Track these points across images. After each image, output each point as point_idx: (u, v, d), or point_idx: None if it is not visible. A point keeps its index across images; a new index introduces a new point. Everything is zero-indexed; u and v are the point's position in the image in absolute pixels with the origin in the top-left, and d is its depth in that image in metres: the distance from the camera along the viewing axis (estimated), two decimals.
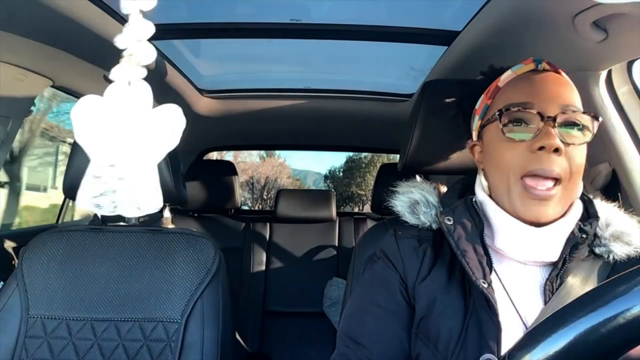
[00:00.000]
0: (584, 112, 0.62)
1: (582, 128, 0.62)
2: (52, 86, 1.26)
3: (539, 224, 0.62)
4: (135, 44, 0.44)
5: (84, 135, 0.43)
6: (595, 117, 0.62)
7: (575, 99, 0.63)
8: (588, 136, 0.62)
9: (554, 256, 0.62)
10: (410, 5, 1.18)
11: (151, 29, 0.43)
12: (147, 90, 0.45)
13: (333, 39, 1.31)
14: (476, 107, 0.72)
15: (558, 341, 0.34)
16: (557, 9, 0.78)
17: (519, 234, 0.62)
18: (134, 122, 0.45)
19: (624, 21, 0.73)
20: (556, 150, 0.59)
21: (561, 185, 0.60)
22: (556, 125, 0.60)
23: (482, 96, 0.71)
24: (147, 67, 0.48)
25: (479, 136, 0.70)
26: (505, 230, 0.63)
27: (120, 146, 0.44)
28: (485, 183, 0.68)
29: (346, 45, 1.40)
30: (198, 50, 1.50)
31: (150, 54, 0.44)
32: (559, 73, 0.66)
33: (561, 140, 0.60)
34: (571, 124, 0.61)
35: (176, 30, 1.24)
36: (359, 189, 19.97)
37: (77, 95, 1.45)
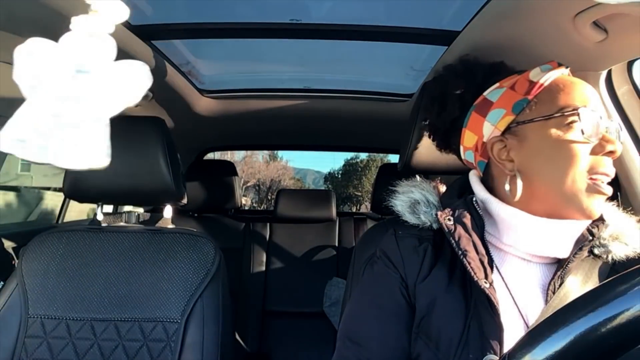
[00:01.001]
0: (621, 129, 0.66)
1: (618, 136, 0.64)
2: None
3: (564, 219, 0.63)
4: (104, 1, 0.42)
5: (25, 76, 0.41)
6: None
7: None
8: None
9: (563, 252, 0.62)
10: (410, 5, 1.18)
11: None
12: (110, 44, 0.43)
13: (333, 39, 1.31)
14: (493, 99, 0.69)
15: (558, 341, 0.34)
16: (557, 9, 0.78)
17: (530, 226, 0.63)
18: (90, 74, 0.43)
19: (624, 21, 0.73)
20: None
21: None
22: (612, 131, 0.62)
23: (505, 90, 0.68)
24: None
25: (509, 132, 0.67)
26: (514, 224, 0.63)
27: (69, 95, 0.42)
28: (507, 187, 0.66)
29: (346, 45, 1.40)
30: (198, 50, 1.50)
31: (122, 13, 0.42)
32: None
33: None
34: (615, 132, 0.63)
35: (176, 30, 1.24)
36: (355, 190, 22.54)
37: None
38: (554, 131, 0.62)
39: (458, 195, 0.71)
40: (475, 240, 0.63)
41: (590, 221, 0.64)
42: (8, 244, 1.40)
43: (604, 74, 0.94)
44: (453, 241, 0.63)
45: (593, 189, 0.61)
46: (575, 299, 0.36)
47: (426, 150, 0.89)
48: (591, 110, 0.62)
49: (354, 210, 21.30)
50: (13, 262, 1.37)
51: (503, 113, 0.67)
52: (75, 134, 0.41)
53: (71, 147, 0.41)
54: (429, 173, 0.94)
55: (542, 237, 0.63)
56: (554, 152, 0.62)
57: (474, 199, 0.68)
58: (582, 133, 0.61)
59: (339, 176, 24.20)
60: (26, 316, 0.93)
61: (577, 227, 0.63)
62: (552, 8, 0.78)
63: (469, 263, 0.60)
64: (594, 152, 0.61)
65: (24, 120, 0.40)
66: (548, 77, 0.66)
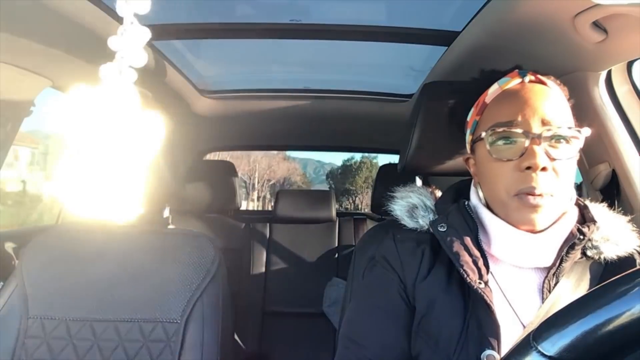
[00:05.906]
0: (569, 127, 0.62)
1: (568, 142, 0.62)
2: (52, 86, 1.26)
3: (532, 231, 0.63)
4: (129, 47, 0.45)
5: (74, 136, 0.44)
6: (578, 130, 0.62)
7: (560, 110, 0.63)
8: (575, 150, 0.62)
9: (549, 261, 0.63)
10: (410, 5, 1.18)
11: (147, 35, 0.43)
12: (135, 95, 0.46)
13: (333, 39, 1.31)
14: (467, 119, 0.72)
15: (588, 323, 0.34)
16: (556, 9, 0.78)
17: (514, 241, 0.63)
18: (121, 125, 0.45)
19: (624, 21, 0.73)
20: (543, 168, 0.60)
21: (552, 198, 0.61)
22: (541, 142, 0.60)
23: (472, 109, 0.71)
24: (146, 67, 0.48)
25: (472, 150, 0.71)
26: (500, 237, 0.65)
27: (109, 150, 0.44)
28: (482, 194, 0.70)
29: (346, 46, 1.40)
30: (198, 50, 1.50)
31: (141, 59, 0.45)
32: (544, 84, 0.66)
33: (548, 157, 0.60)
34: (557, 139, 0.61)
35: (176, 31, 1.24)
36: (350, 185, 32.35)
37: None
38: (481, 151, 0.67)
39: (453, 200, 0.72)
40: (468, 242, 0.64)
41: (569, 227, 0.63)
42: (8, 244, 1.40)
43: (604, 74, 0.94)
44: (445, 246, 0.64)
45: (520, 203, 0.61)
46: (605, 283, 0.36)
47: (427, 151, 0.88)
48: (505, 129, 0.62)
49: (350, 200, 31.40)
50: (13, 262, 1.37)
51: (468, 132, 0.72)
52: (120, 189, 0.44)
53: (119, 202, 0.44)
54: (429, 175, 0.94)
55: (522, 251, 0.63)
56: (485, 171, 0.67)
57: (467, 203, 0.70)
58: (490, 154, 0.63)
59: (339, 175, 33.59)
60: (26, 317, 0.92)
61: (555, 236, 0.63)
62: (552, 8, 0.79)
63: (462, 266, 0.61)
64: (518, 168, 0.61)
65: (83, 183, 0.43)
66: (491, 94, 0.68)
